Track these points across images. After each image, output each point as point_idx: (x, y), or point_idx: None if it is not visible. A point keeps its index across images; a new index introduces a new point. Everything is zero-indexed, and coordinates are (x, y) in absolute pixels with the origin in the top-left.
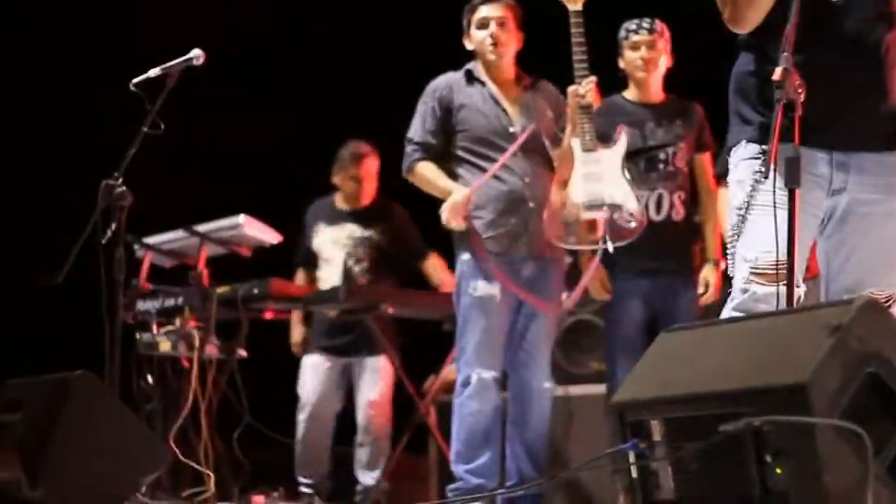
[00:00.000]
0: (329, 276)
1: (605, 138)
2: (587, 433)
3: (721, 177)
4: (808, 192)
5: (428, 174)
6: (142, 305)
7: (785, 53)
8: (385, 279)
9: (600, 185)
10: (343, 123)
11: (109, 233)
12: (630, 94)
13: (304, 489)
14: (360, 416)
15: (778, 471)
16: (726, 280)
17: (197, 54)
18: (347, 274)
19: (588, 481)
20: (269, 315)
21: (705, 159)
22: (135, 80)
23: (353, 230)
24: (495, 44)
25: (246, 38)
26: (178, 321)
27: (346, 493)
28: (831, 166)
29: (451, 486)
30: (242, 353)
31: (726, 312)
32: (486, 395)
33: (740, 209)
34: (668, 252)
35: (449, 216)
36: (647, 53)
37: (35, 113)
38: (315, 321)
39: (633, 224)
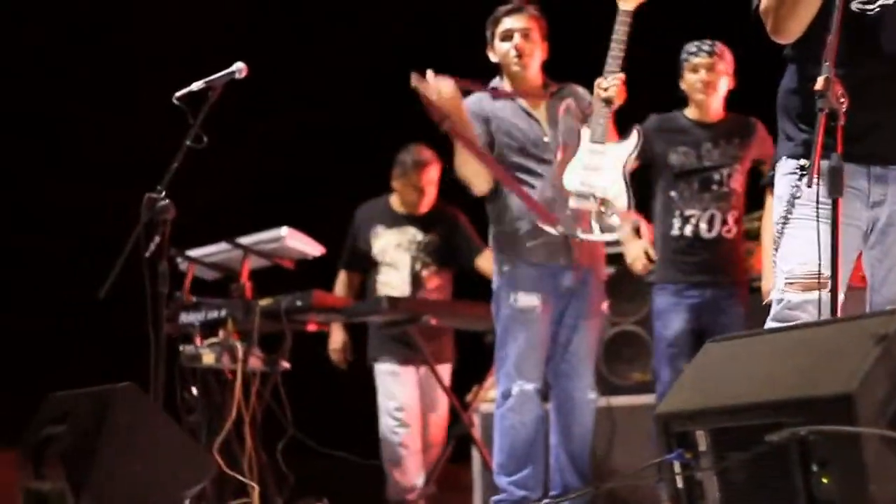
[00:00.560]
0: (394, 280)
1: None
2: (630, 444)
3: (766, 186)
4: (847, 204)
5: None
6: (185, 318)
7: (826, 63)
8: (447, 282)
9: (596, 177)
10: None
11: (153, 246)
12: (690, 112)
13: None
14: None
15: (824, 480)
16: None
17: (239, 67)
18: (416, 278)
19: (631, 492)
20: (312, 327)
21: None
22: (177, 94)
23: (415, 234)
24: (520, 55)
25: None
26: (221, 333)
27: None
28: (869, 180)
29: (496, 497)
30: (286, 364)
31: (767, 324)
32: (527, 406)
33: (778, 223)
34: (718, 267)
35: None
36: (706, 76)
37: (80, 128)
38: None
39: (616, 222)
